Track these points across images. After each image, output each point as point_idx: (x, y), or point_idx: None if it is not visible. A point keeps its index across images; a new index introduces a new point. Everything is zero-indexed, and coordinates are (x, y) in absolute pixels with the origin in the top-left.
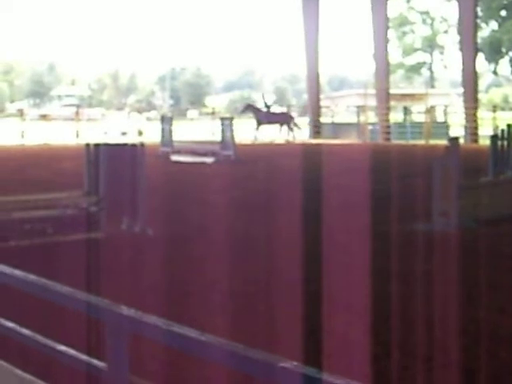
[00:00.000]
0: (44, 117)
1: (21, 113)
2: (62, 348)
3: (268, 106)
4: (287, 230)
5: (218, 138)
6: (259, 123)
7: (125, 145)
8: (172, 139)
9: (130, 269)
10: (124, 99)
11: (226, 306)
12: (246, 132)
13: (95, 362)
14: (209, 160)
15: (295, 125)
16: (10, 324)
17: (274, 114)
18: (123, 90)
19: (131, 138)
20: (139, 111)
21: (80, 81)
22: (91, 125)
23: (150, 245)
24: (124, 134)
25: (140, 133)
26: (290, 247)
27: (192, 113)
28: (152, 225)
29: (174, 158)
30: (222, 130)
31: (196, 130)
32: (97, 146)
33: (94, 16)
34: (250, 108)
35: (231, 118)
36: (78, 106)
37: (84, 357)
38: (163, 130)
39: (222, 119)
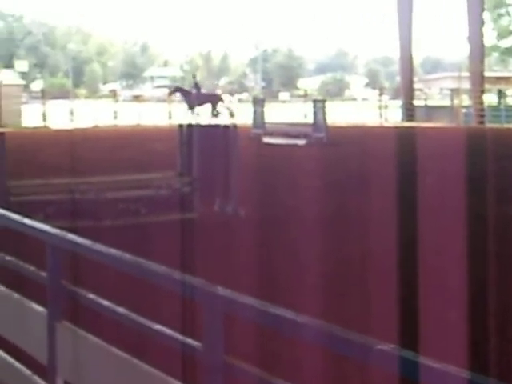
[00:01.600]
0: (137, 98)
1: (114, 94)
2: (158, 327)
3: (198, 88)
4: (381, 213)
5: (310, 120)
6: (190, 106)
7: (217, 126)
8: (264, 121)
9: (223, 249)
10: (216, 81)
11: (319, 287)
12: (340, 114)
13: (190, 341)
14: (301, 142)
15: (227, 107)
16: (106, 302)
17: (204, 95)
18: (215, 71)
19: (223, 120)
20: (231, 93)
21: (172, 62)
22: (183, 106)
23: (242, 226)
24: (216, 115)
25: (232, 114)
26: (384, 230)
27: (284, 95)
28: (244, 206)
29: (266, 139)
30: (314, 113)
31: (288, 112)
32: (190, 126)
33: None
34: (178, 91)
35: (323, 101)
36: (171, 87)
37: (179, 336)
38: (255, 111)
39: (315, 101)
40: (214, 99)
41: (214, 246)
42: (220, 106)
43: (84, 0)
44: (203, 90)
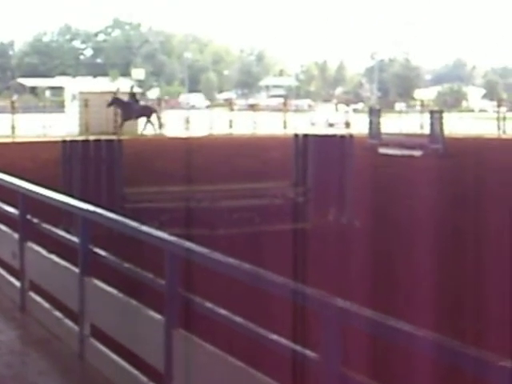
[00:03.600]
0: (252, 107)
1: (229, 102)
2: (274, 337)
3: (136, 100)
4: (499, 226)
5: (426, 131)
6: (125, 118)
7: (333, 136)
8: (380, 131)
9: (338, 260)
10: (331, 90)
11: (432, 302)
12: (457, 125)
13: (307, 352)
14: (417, 153)
15: (158, 119)
16: (223, 311)
17: (140, 107)
18: (330, 81)
19: (339, 130)
20: (346, 103)
21: (288, 71)
22: (298, 116)
23: (357, 237)
24: (331, 125)
25: (347, 124)
26: (500, 247)
27: (400, 105)
28: (359, 217)
29: (382, 150)
30: (431, 124)
31: (403, 122)
32: (305, 136)
33: (304, 6)
34: (116, 102)
35: (441, 112)
36: (286, 97)
37: (295, 346)
38: (371, 122)
39: (432, 112)
40: (148, 112)
41: (328, 257)
42: (153, 119)
43: (201, 9)
44: (141, 103)
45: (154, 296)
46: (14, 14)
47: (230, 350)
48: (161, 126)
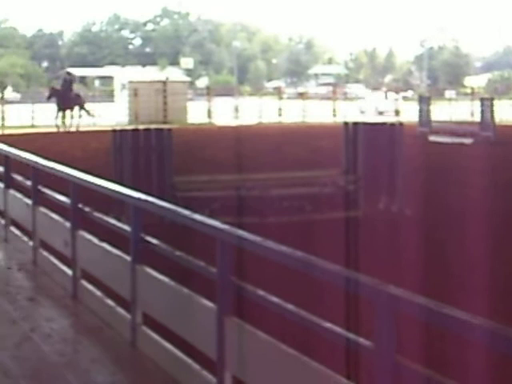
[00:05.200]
0: (301, 95)
1: (278, 91)
2: (327, 325)
3: (71, 88)
4: None
5: (476, 118)
6: (61, 108)
7: (383, 124)
8: (430, 119)
9: (390, 248)
10: (380, 78)
11: (488, 289)
12: (508, 113)
13: (361, 340)
14: (467, 141)
15: (85, 109)
16: (275, 299)
17: (74, 96)
18: (380, 69)
19: (388, 118)
20: (396, 91)
21: (337, 59)
22: (348, 104)
23: (408, 225)
24: (381, 113)
25: (397, 112)
26: None
27: (450, 93)
28: (410, 205)
29: (432, 138)
30: (482, 111)
31: (453, 110)
32: (355, 124)
33: None
34: (54, 93)
35: (491, 99)
36: (335, 85)
37: (349, 334)
38: (421, 109)
39: (482, 100)
40: (80, 101)
41: (380, 245)
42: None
43: None
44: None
45: (199, 283)
46: (63, 3)
47: (281, 338)
48: (91, 116)
